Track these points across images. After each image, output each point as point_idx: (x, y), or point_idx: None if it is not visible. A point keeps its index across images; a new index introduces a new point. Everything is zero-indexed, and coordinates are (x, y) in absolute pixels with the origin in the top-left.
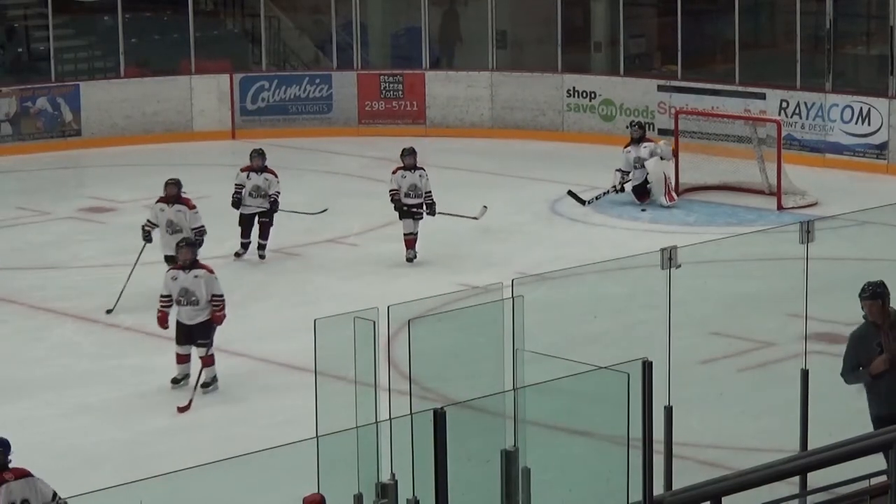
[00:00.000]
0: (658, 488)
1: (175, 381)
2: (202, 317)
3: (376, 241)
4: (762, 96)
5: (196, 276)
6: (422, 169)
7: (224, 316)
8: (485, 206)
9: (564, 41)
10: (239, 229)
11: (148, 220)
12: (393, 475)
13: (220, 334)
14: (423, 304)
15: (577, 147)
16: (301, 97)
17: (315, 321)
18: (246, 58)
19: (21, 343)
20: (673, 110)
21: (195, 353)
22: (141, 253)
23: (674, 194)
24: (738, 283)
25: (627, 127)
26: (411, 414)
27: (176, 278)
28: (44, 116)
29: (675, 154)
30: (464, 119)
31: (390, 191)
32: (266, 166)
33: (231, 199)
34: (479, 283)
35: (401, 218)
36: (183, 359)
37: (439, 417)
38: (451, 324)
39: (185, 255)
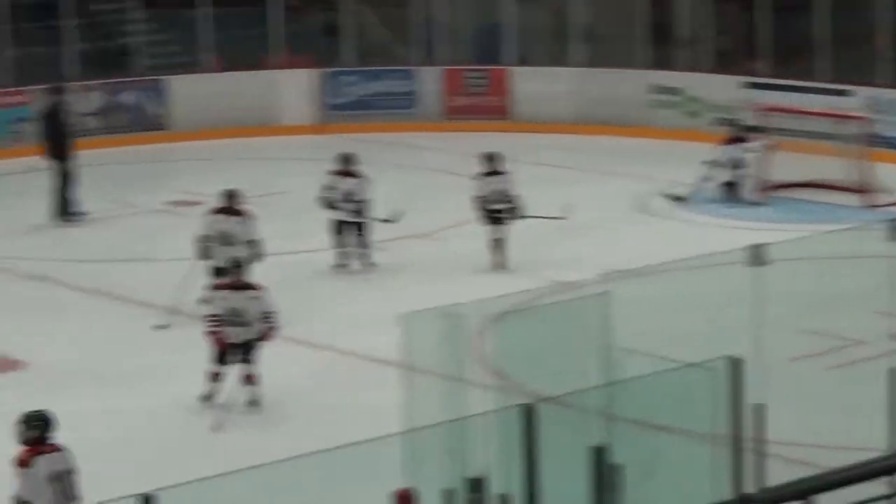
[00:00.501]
0: (748, 486)
1: (206, 398)
2: (251, 335)
3: (463, 237)
4: (850, 93)
5: (249, 298)
6: (507, 173)
7: (275, 334)
8: (569, 203)
9: (650, 37)
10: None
11: (203, 236)
12: (483, 471)
13: (309, 328)
14: (510, 299)
15: (661, 143)
16: (386, 92)
17: (402, 316)
18: (331, 53)
19: (110, 336)
20: (758, 107)
21: (238, 370)
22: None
23: (764, 192)
24: (826, 281)
25: (720, 123)
26: (500, 409)
27: (226, 298)
28: (131, 110)
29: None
30: (549, 115)
31: (475, 196)
32: (355, 170)
33: (320, 200)
34: (566, 279)
35: (486, 224)
36: (218, 377)
37: (529, 413)
38: (538, 320)
39: (236, 276)
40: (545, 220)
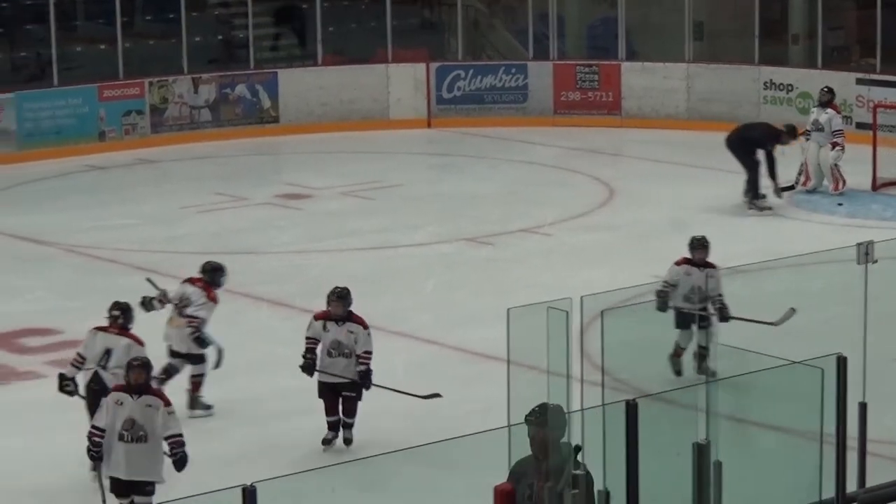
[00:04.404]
0: (851, 485)
1: None
2: None
3: (570, 232)
4: None
5: None
6: (712, 266)
7: None
8: (792, 309)
9: (762, 33)
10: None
11: (93, 428)
12: (584, 466)
13: (415, 321)
14: (617, 295)
15: None
16: (497, 87)
17: (508, 310)
18: (442, 47)
19: (217, 328)
20: (871, 104)
21: None
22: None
23: (840, 185)
24: None
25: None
26: (603, 405)
27: None
28: (242, 103)
29: (874, 149)
30: (659, 110)
31: (663, 283)
32: (351, 312)
33: (303, 359)
34: None
35: (677, 326)
36: None
37: (631, 409)
38: (644, 316)
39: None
40: (756, 323)
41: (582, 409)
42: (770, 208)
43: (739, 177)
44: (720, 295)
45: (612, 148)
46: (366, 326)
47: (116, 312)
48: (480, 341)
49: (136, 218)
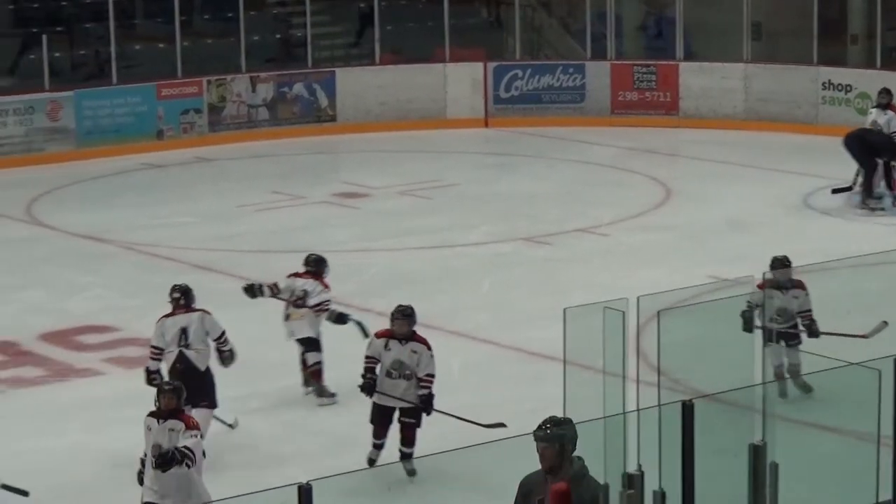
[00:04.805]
0: None
1: None
2: None
3: (627, 232)
4: None
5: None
6: (800, 288)
7: None
8: (884, 322)
9: (820, 33)
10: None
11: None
12: (640, 466)
13: (472, 320)
14: (673, 295)
15: (831, 140)
16: (554, 86)
17: (565, 310)
18: (500, 46)
19: (274, 325)
20: None
21: None
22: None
23: None
24: None
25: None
26: (659, 405)
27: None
28: (300, 102)
29: None
30: (717, 111)
31: (747, 303)
32: (415, 331)
33: (363, 379)
34: (729, 275)
35: (764, 345)
36: None
37: (688, 410)
38: (700, 316)
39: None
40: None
41: (638, 410)
42: (883, 209)
43: (798, 178)
44: (809, 310)
45: (670, 148)
46: (429, 347)
47: (177, 295)
48: (537, 341)
49: (193, 216)
